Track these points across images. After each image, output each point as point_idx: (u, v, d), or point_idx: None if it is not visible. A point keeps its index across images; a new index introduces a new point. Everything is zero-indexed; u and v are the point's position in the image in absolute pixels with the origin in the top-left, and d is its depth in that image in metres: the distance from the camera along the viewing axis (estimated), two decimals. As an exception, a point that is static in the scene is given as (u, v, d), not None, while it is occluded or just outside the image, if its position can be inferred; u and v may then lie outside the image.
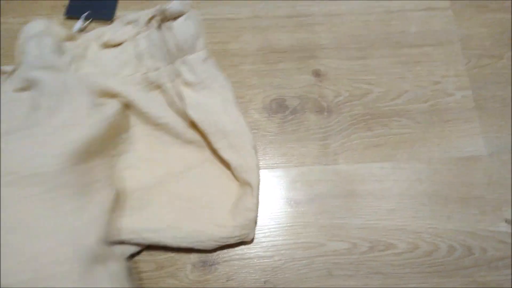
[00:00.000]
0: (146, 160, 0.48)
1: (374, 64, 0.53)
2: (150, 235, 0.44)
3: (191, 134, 0.48)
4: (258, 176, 0.46)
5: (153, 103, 0.48)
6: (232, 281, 0.45)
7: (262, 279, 0.46)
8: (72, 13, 0.56)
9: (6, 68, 0.50)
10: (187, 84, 0.48)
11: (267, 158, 0.50)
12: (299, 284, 0.45)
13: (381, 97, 0.52)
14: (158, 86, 0.49)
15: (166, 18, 0.48)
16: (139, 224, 0.44)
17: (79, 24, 0.53)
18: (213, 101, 0.48)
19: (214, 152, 0.48)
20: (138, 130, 0.48)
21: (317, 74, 0.53)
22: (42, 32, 0.48)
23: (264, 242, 0.47)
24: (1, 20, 0.55)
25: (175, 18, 0.49)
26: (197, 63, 0.48)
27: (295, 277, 0.45)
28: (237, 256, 0.46)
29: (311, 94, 0.52)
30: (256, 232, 0.47)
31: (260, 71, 0.53)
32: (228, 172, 0.48)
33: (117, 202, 0.44)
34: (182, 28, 0.48)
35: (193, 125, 0.48)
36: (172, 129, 0.48)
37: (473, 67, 0.53)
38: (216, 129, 0.47)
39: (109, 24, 0.54)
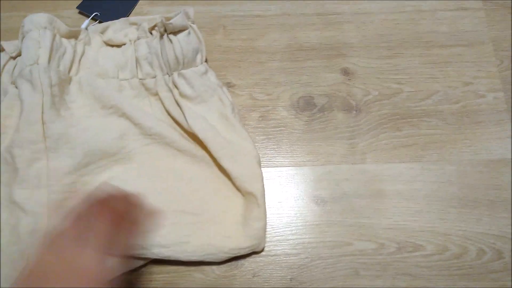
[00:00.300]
0: (148, 173, 0.47)
1: (404, 63, 0.53)
2: (160, 250, 0.43)
3: (187, 143, 0.48)
4: (262, 185, 0.46)
5: (145, 115, 0.48)
6: (257, 277, 0.45)
7: (288, 277, 0.45)
8: (83, 9, 0.56)
9: (9, 46, 0.50)
10: (185, 97, 0.48)
11: (294, 155, 0.50)
12: (325, 283, 0.45)
13: (411, 97, 0.51)
14: (155, 94, 0.49)
15: (169, 30, 0.48)
16: (149, 239, 0.43)
17: (86, 22, 0.53)
18: (212, 114, 0.48)
19: (216, 163, 0.48)
20: (137, 142, 0.48)
21: (345, 72, 0.53)
22: (43, 26, 0.48)
23: (290, 239, 0.46)
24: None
25: (177, 31, 0.48)
26: (195, 77, 0.48)
27: (321, 276, 0.45)
28: (264, 253, 0.46)
29: (340, 93, 0.52)
30: (283, 229, 0.47)
31: (287, 69, 0.53)
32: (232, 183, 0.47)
33: None
34: (183, 42, 0.48)
35: (191, 134, 0.48)
36: (166, 138, 0.47)
37: (505, 69, 0.52)
38: (216, 140, 0.47)
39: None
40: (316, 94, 0.52)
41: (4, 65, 0.49)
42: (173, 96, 0.48)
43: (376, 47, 0.54)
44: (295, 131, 0.50)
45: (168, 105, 0.48)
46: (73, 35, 0.50)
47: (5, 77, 0.49)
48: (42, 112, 0.45)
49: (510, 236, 0.46)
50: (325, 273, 0.45)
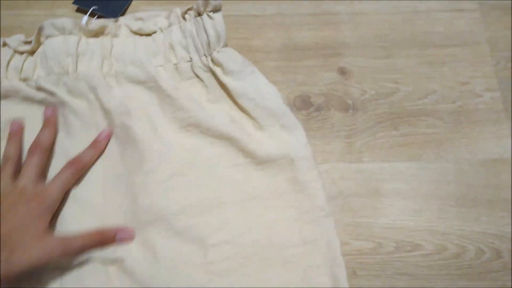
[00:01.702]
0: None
1: (400, 63, 0.53)
2: None
3: (227, 127, 0.46)
4: (311, 150, 0.46)
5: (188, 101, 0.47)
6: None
7: (284, 277, 0.44)
8: (79, 4, 0.55)
9: (12, 41, 0.49)
10: (229, 73, 0.47)
11: (290, 154, 0.49)
12: (322, 283, 0.44)
13: (407, 97, 0.51)
14: (189, 78, 0.48)
15: (203, 11, 0.47)
16: None
17: (85, 18, 0.51)
18: (257, 88, 0.47)
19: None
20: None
21: (342, 71, 0.52)
22: (67, 31, 0.48)
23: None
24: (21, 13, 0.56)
25: (209, 12, 0.47)
26: (235, 53, 0.48)
27: (318, 276, 0.44)
28: (260, 252, 0.45)
29: (336, 92, 0.52)
30: (279, 228, 0.46)
31: (283, 68, 0.53)
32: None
33: None
34: (220, 21, 0.47)
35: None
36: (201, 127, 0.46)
37: (502, 69, 0.52)
38: (267, 114, 0.46)
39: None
40: (312, 93, 0.52)
41: (9, 61, 0.48)
42: (215, 75, 0.47)
43: (372, 47, 0.54)
44: (293, 130, 0.49)
45: (208, 85, 0.48)
46: (100, 31, 0.49)
47: (12, 73, 0.48)
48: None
49: (509, 236, 0.45)
50: (322, 273, 0.44)
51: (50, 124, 0.46)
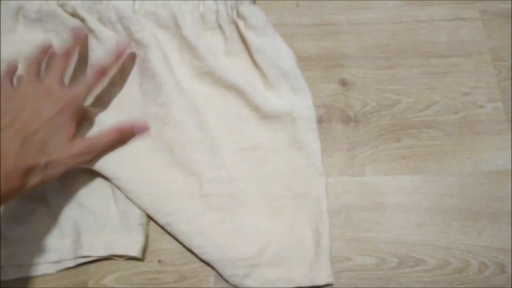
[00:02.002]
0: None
1: (402, 74, 0.52)
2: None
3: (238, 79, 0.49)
4: (315, 113, 0.49)
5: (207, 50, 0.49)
6: (256, 293, 0.43)
7: (287, 293, 0.44)
8: None
9: None
10: (251, 28, 0.49)
11: (292, 168, 0.48)
12: (325, 299, 0.44)
13: (410, 108, 0.50)
14: (215, 27, 0.50)
15: None
16: None
17: None
18: (275, 47, 0.49)
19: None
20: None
21: (343, 83, 0.52)
22: None
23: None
24: None
25: None
26: (260, 10, 0.50)
27: (321, 292, 0.44)
28: (262, 269, 0.44)
29: (338, 104, 0.51)
30: (282, 244, 0.45)
31: (285, 79, 0.52)
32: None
33: None
34: None
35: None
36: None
37: (503, 79, 0.52)
38: (279, 73, 0.48)
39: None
40: (314, 105, 0.51)
41: None
42: (237, 28, 0.50)
43: (374, 58, 0.53)
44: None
45: (228, 37, 0.50)
46: None
47: None
48: None
49: (512, 249, 0.45)
50: (325, 288, 0.44)
51: (79, 38, 0.47)
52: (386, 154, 0.49)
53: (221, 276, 0.44)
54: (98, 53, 0.49)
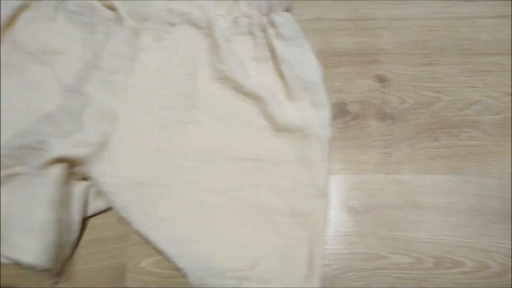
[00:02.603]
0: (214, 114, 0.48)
1: (442, 71, 0.51)
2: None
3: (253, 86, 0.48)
4: (330, 132, 0.46)
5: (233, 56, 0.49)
6: None
7: (319, 289, 0.43)
8: None
9: None
10: (281, 37, 0.48)
11: (326, 163, 0.48)
12: (357, 297, 0.43)
13: (449, 106, 0.49)
14: (246, 33, 0.50)
15: None
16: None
17: None
18: (302, 60, 0.48)
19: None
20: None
21: (380, 79, 0.51)
22: None
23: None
24: None
25: None
26: (292, 20, 0.49)
27: (353, 290, 0.43)
28: (294, 264, 0.44)
29: (374, 100, 0.50)
30: (314, 239, 0.45)
31: (320, 74, 0.51)
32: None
33: None
34: None
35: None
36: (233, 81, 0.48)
37: (547, 79, 0.50)
38: (301, 86, 0.47)
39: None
40: (349, 101, 0.51)
41: None
42: (267, 36, 0.49)
43: (412, 54, 0.52)
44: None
45: (258, 44, 0.49)
46: None
47: None
48: None
49: (555, 255, 0.43)
50: (358, 286, 0.43)
51: None
52: (423, 153, 0.48)
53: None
54: (117, 47, 0.49)
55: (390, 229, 0.45)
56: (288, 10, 0.50)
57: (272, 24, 0.49)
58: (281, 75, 0.48)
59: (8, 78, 0.49)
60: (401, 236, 0.45)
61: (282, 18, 0.49)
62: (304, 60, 0.48)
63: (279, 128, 0.46)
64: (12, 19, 0.52)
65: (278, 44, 0.48)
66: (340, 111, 0.50)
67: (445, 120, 0.49)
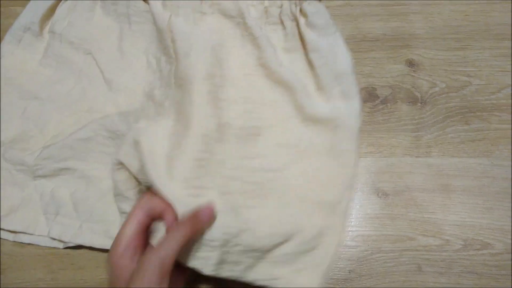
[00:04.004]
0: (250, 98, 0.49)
1: (473, 55, 0.51)
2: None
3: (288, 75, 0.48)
4: (359, 123, 0.46)
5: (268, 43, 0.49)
6: (317, 267, 0.44)
7: (347, 268, 0.45)
8: None
9: None
10: (312, 26, 0.48)
11: (355, 146, 0.48)
12: (385, 277, 0.44)
13: (480, 90, 0.49)
14: (277, 23, 0.50)
15: None
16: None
17: None
18: (332, 49, 0.48)
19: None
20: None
21: (410, 63, 0.51)
22: None
23: (350, 231, 0.46)
24: None
25: None
26: (324, 9, 0.49)
27: (382, 269, 0.44)
28: (324, 243, 0.45)
29: (404, 84, 0.51)
30: (343, 220, 0.46)
31: (350, 59, 0.52)
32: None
33: None
34: None
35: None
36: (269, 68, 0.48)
37: None
38: (332, 76, 0.47)
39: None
40: (378, 86, 0.51)
41: None
42: (297, 25, 0.49)
43: (444, 39, 0.52)
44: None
45: (289, 33, 0.50)
46: None
47: None
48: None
49: None
50: (386, 267, 0.44)
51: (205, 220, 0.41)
52: (453, 136, 0.48)
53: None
54: (153, 35, 0.51)
55: (419, 212, 0.46)
56: None
57: (303, 13, 0.49)
58: (311, 65, 0.48)
59: (56, 68, 0.52)
60: (430, 219, 0.45)
61: (313, 7, 0.49)
62: (335, 50, 0.48)
63: (309, 118, 0.47)
64: (51, 10, 0.54)
65: (309, 34, 0.48)
66: (370, 95, 0.51)
67: (476, 104, 0.49)
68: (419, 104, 0.50)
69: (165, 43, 0.50)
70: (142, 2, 0.52)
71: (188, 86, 0.48)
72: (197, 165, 0.45)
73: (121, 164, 0.45)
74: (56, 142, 0.48)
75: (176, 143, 0.46)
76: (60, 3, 0.54)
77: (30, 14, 0.53)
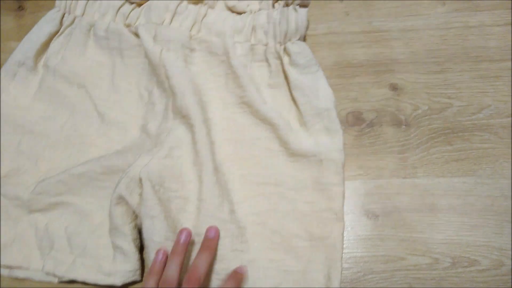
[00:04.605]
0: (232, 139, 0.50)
1: (453, 78, 0.53)
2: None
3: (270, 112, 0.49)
4: (343, 156, 0.48)
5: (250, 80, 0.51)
6: (311, 290, 0.45)
7: (341, 290, 0.46)
8: None
9: None
10: (295, 65, 0.50)
11: (344, 170, 0.50)
12: (378, 297, 0.45)
13: (461, 111, 0.51)
14: (262, 60, 0.52)
15: (290, 3, 0.51)
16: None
17: None
18: (314, 86, 0.50)
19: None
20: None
21: (394, 88, 0.53)
22: None
23: (343, 253, 0.47)
24: None
25: (298, 5, 0.51)
26: (307, 49, 0.51)
27: (375, 290, 0.45)
28: (317, 266, 0.46)
29: (389, 108, 0.52)
30: (336, 242, 0.47)
31: (336, 85, 0.54)
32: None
33: None
34: (303, 16, 0.51)
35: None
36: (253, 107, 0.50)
37: (556, 82, 0.51)
38: (314, 112, 0.49)
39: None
40: (364, 110, 0.53)
41: (120, 7, 0.54)
42: (281, 63, 0.51)
43: (425, 63, 0.54)
44: (345, 145, 0.50)
45: (273, 71, 0.51)
46: (199, 0, 0.54)
47: (119, 18, 0.54)
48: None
49: None
50: (379, 287, 0.45)
51: (210, 248, 0.44)
52: (438, 157, 0.50)
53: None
54: (144, 69, 0.53)
55: (408, 232, 0.47)
56: (303, 39, 0.53)
57: (287, 52, 0.51)
58: (294, 101, 0.51)
59: (50, 102, 0.53)
60: (419, 238, 0.47)
61: (296, 47, 0.51)
62: (317, 87, 0.50)
63: (294, 154, 0.48)
64: (45, 45, 0.55)
65: (292, 72, 0.50)
66: (356, 119, 0.53)
67: (458, 124, 0.51)
68: (404, 126, 0.52)
69: (159, 78, 0.51)
70: (134, 36, 0.54)
71: (189, 126, 0.50)
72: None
73: (120, 199, 0.46)
74: (50, 176, 0.49)
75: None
76: (54, 38, 0.56)
77: (24, 49, 0.54)
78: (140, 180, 0.46)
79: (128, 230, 0.46)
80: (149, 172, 0.47)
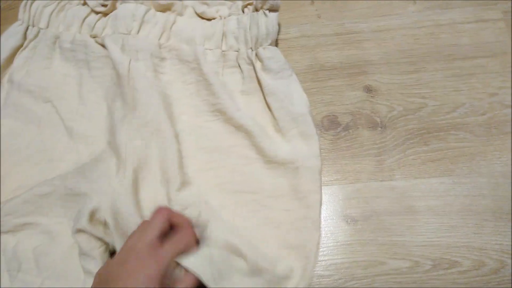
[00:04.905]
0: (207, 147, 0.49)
1: (427, 77, 0.52)
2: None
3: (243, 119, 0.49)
4: (320, 163, 0.47)
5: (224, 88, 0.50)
6: (292, 300, 0.44)
7: (322, 299, 0.45)
8: None
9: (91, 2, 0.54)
10: (268, 70, 0.50)
11: (321, 175, 0.49)
12: (360, 304, 0.44)
13: (436, 111, 0.51)
14: (235, 66, 0.51)
15: (260, 8, 0.51)
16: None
17: None
18: (288, 91, 0.49)
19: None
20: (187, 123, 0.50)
21: (368, 89, 0.53)
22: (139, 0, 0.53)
23: (322, 260, 0.46)
24: None
25: (267, 10, 0.51)
26: (279, 54, 0.51)
27: (356, 297, 0.44)
28: (297, 275, 0.45)
29: (364, 110, 0.52)
30: (315, 250, 0.46)
31: (310, 89, 0.53)
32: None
33: None
34: (273, 21, 0.50)
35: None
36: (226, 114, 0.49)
37: (531, 78, 0.51)
38: (289, 118, 0.48)
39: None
40: (339, 113, 0.52)
41: (85, 18, 0.53)
42: (254, 69, 0.50)
43: (398, 63, 0.54)
44: (321, 150, 0.50)
45: (246, 77, 0.51)
46: (167, 7, 0.54)
47: (85, 28, 0.53)
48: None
49: (549, 249, 0.44)
50: (360, 293, 0.45)
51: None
52: (414, 158, 0.49)
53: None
54: (112, 80, 0.51)
55: (388, 235, 0.46)
56: (275, 43, 0.52)
57: (259, 58, 0.50)
58: (269, 107, 0.50)
59: (16, 118, 0.51)
60: (398, 241, 0.46)
61: (268, 52, 0.50)
62: (291, 92, 0.50)
63: (271, 161, 0.47)
64: (9, 60, 0.54)
65: (265, 78, 0.50)
66: (332, 123, 0.52)
67: (433, 124, 0.50)
68: (380, 128, 0.51)
69: (123, 89, 0.50)
70: (101, 47, 0.52)
71: (159, 142, 0.48)
72: None
73: (81, 231, 0.44)
74: (17, 195, 0.47)
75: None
76: (18, 52, 0.54)
77: None
78: (102, 211, 0.45)
79: (97, 255, 0.44)
80: (112, 203, 0.45)
